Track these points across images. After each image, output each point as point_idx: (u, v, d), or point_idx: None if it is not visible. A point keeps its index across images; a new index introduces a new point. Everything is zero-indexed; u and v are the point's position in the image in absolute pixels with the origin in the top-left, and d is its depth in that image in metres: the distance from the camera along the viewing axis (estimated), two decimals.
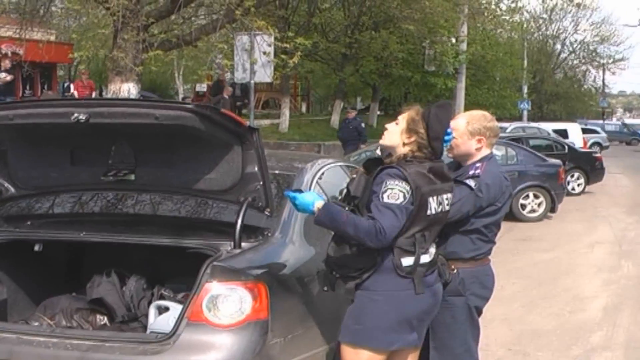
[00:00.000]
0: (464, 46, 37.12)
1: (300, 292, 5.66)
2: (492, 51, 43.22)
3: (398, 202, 4.79)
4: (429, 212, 4.94)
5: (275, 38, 20.42)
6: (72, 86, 36.74)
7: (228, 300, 4.97)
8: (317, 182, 6.63)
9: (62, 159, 6.01)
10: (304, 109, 49.33)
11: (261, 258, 5.47)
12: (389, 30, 34.21)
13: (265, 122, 35.21)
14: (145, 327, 5.75)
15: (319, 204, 4.98)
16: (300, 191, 5.21)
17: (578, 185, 25.59)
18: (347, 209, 4.98)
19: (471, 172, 5.42)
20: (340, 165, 7.84)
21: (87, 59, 29.25)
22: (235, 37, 21.15)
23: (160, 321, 5.55)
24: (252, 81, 21.47)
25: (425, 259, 5.01)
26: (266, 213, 5.60)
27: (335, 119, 37.00)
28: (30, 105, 5.79)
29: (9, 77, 24.20)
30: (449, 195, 5.14)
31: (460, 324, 5.48)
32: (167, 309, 5.64)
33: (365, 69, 38.30)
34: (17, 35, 24.13)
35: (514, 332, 8.97)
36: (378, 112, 43.21)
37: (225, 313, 4.95)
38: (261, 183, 5.53)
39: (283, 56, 19.94)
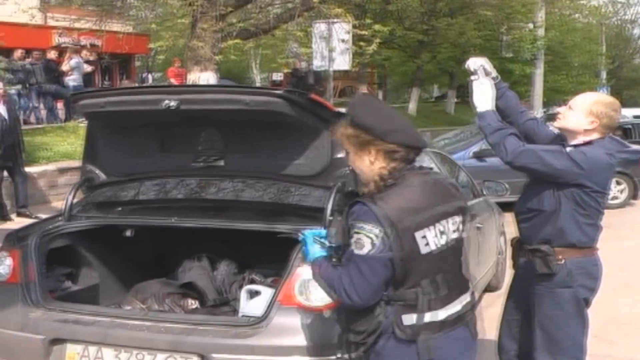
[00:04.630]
0: (541, 32, 36.71)
1: None
2: (570, 37, 42.61)
3: (363, 252, 3.59)
4: (425, 251, 3.65)
5: (353, 25, 20.39)
6: (149, 76, 37.25)
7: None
8: None
9: (152, 146, 6.10)
10: (380, 96, 49.27)
11: None
12: (466, 16, 33.97)
13: (343, 110, 34.98)
14: (236, 311, 5.81)
15: (315, 260, 4.01)
16: (323, 237, 4.07)
17: None
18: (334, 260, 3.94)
19: (572, 143, 5.14)
20: (425, 152, 7.78)
21: (166, 49, 29.49)
22: (312, 25, 21.18)
23: (251, 305, 5.60)
24: (331, 69, 21.46)
25: (438, 315, 3.74)
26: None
27: (412, 107, 36.84)
28: (121, 93, 5.89)
29: (88, 68, 24.56)
30: (457, 218, 3.86)
31: (568, 317, 5.24)
32: (258, 292, 5.69)
33: (442, 56, 38.06)
34: (96, 27, 24.45)
35: (599, 320, 8.85)
36: (455, 100, 42.88)
37: (317, 296, 4.96)
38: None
39: (361, 43, 19.92)
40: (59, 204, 14.71)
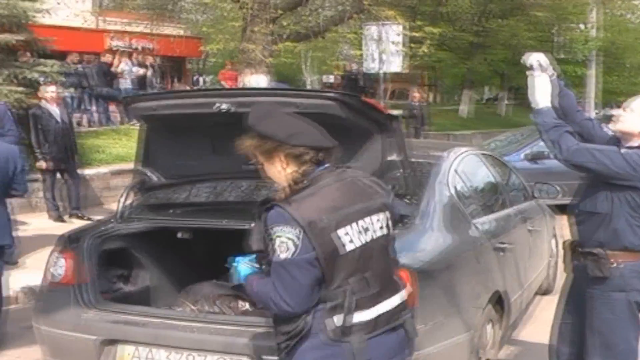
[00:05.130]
0: (593, 32, 36.35)
1: (444, 279, 5.64)
2: (623, 37, 42.11)
3: (289, 255, 3.51)
4: (348, 248, 3.57)
5: (404, 27, 20.36)
6: (201, 79, 37.46)
7: None
8: (455, 170, 6.59)
9: (204, 148, 6.12)
10: (431, 99, 49.06)
11: (406, 245, 5.43)
12: (518, 17, 33.75)
13: (394, 112, 34.92)
14: None
15: (247, 277, 3.99)
16: (253, 260, 4.03)
17: None
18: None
19: (627, 145, 5.09)
20: (476, 154, 7.77)
21: (218, 52, 29.64)
22: (363, 27, 21.18)
23: None
24: (382, 71, 21.44)
25: (369, 314, 3.65)
26: (406, 200, 5.59)
27: (464, 109, 36.68)
28: (174, 96, 5.92)
29: (141, 71, 24.75)
30: (382, 215, 3.77)
31: (620, 321, 5.17)
32: None
33: (494, 58, 37.83)
34: (148, 31, 24.66)
35: None
36: (507, 101, 42.59)
37: None
38: (401, 171, 5.51)
39: (412, 45, 19.87)
40: (112, 206, 14.86)
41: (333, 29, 21.38)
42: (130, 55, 25.42)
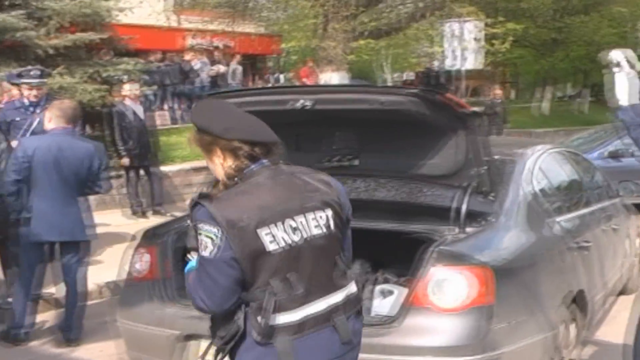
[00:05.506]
0: None
1: (524, 277, 5.56)
2: None
3: (207, 254, 3.41)
4: (271, 248, 3.41)
5: (485, 24, 20.22)
6: (281, 77, 37.58)
7: (454, 285, 4.97)
8: (538, 168, 6.52)
9: (287, 145, 6.12)
10: (512, 95, 48.57)
11: (486, 243, 5.43)
12: (600, 13, 33.26)
13: (475, 109, 34.68)
14: (368, 310, 5.79)
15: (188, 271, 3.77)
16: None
17: None
18: None
19: None
20: (558, 151, 7.68)
21: (297, 49, 29.74)
22: (444, 24, 21.08)
23: (384, 304, 5.61)
24: (463, 68, 21.33)
25: (294, 316, 3.49)
26: (489, 198, 5.56)
27: (545, 106, 36.27)
28: (257, 93, 5.95)
29: (222, 69, 24.92)
30: (321, 213, 3.59)
31: None
32: (390, 292, 5.68)
33: (576, 54, 37.31)
34: (229, 29, 24.80)
35: None
36: (590, 99, 42.00)
37: (450, 297, 4.94)
38: (485, 168, 5.48)
39: (493, 42, 19.73)
40: None
41: (413, 26, 21.30)
42: (209, 53, 25.63)
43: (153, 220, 11.42)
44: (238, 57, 26.63)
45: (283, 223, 3.43)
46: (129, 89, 14.05)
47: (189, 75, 23.41)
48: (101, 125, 15.52)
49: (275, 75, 39.72)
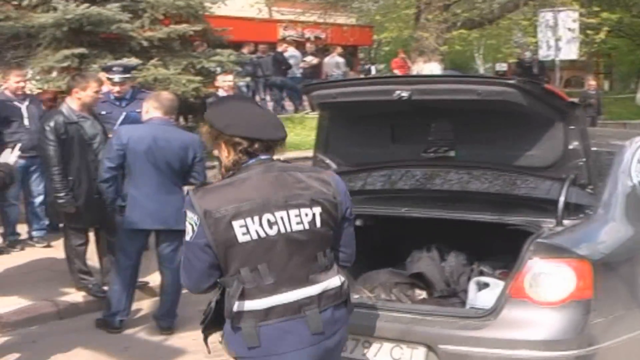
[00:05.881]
0: None
1: (622, 271, 5.46)
2: None
3: (187, 238, 3.82)
4: (243, 240, 3.71)
5: (580, 14, 19.92)
6: (373, 68, 37.60)
7: (552, 278, 4.91)
8: (637, 160, 6.39)
9: (383, 136, 6.14)
10: (606, 87, 47.83)
11: (585, 236, 5.34)
12: None
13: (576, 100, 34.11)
14: (463, 303, 5.76)
15: None
16: None
17: None
18: None
19: None
20: None
21: (390, 40, 29.65)
22: (538, 13, 20.81)
23: (480, 297, 5.56)
24: (557, 59, 21.04)
25: (262, 304, 3.76)
26: (588, 190, 5.48)
27: None
28: (354, 84, 5.95)
29: (314, 61, 25.03)
30: (306, 210, 3.82)
31: None
32: (486, 285, 5.64)
33: None
34: (321, 20, 24.89)
35: None
36: None
37: (548, 291, 4.89)
38: (584, 160, 5.40)
39: (588, 32, 19.42)
40: None
41: (507, 16, 21.10)
42: (301, 45, 25.75)
43: None
44: (339, 49, 26.64)
45: (260, 217, 3.73)
46: (222, 81, 14.17)
47: (281, 67, 23.50)
48: (195, 117, 15.70)
49: (367, 66, 39.76)
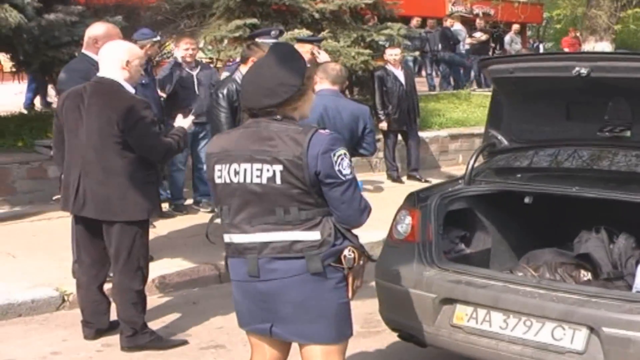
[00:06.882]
0: None
1: None
2: None
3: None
4: (217, 182, 4.33)
5: None
6: (541, 46, 36.92)
7: None
8: None
9: (557, 113, 6.04)
10: None
11: None
12: None
13: None
14: (630, 287, 5.62)
15: None
16: None
17: None
18: None
19: None
20: None
21: (563, 17, 29.08)
22: None
23: None
24: None
25: (232, 239, 4.33)
26: None
27: None
28: (531, 59, 5.89)
29: (483, 37, 24.82)
30: (267, 167, 4.14)
31: None
32: None
33: None
34: None
35: None
36: None
37: None
38: None
39: None
40: (448, 169, 15.03)
41: None
42: (470, 21, 25.55)
43: (413, 186, 11.47)
44: (516, 26, 26.35)
45: (230, 165, 4.25)
46: (390, 54, 14.20)
47: (450, 42, 23.34)
48: (363, 90, 15.78)
49: (535, 44, 39.05)
